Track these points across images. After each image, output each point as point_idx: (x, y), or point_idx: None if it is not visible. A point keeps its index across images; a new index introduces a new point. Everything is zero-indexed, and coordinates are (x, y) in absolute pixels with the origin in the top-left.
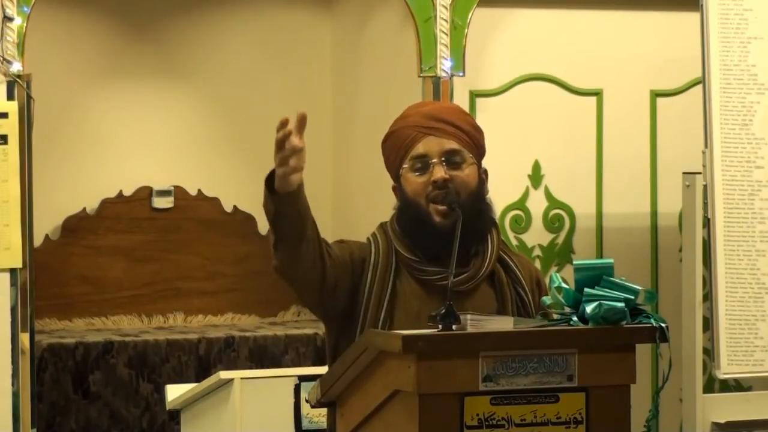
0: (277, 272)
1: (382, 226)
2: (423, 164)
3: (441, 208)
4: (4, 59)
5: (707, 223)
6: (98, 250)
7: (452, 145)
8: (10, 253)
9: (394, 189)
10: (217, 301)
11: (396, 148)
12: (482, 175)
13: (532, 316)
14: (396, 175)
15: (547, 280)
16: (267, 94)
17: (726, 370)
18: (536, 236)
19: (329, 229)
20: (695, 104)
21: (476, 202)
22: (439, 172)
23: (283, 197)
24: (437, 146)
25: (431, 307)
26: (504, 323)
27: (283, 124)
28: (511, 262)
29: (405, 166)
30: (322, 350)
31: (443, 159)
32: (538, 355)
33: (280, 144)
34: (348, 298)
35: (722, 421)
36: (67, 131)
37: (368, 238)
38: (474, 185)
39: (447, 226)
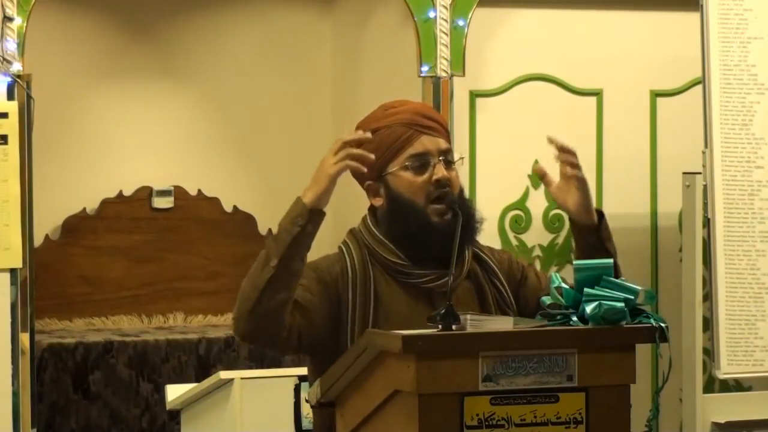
0: (244, 339)
1: (353, 232)
2: (422, 163)
3: (440, 207)
4: (4, 59)
5: (707, 223)
6: (98, 250)
7: (446, 144)
8: (10, 253)
9: (369, 187)
10: (217, 301)
11: (386, 145)
12: None
13: (511, 306)
14: (379, 174)
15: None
16: (267, 94)
17: (726, 370)
18: (536, 236)
19: (329, 230)
20: (695, 104)
21: (466, 203)
22: (442, 172)
23: (317, 215)
24: (435, 145)
25: (417, 310)
26: (504, 323)
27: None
28: (483, 255)
29: (406, 164)
30: None
31: (441, 158)
32: (538, 355)
33: (350, 143)
34: (329, 329)
35: (722, 421)
36: (67, 131)
37: (340, 247)
38: (460, 186)
39: (445, 227)
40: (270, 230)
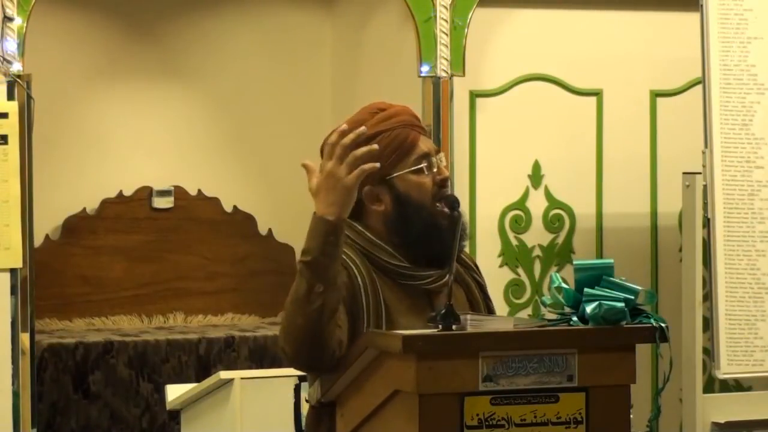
0: (308, 371)
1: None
2: (429, 164)
3: (444, 207)
4: (4, 59)
5: (707, 223)
6: (98, 250)
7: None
8: (10, 253)
9: (368, 193)
10: (217, 301)
11: (392, 149)
12: None
13: (489, 298)
14: (381, 177)
15: (547, 281)
16: (267, 94)
17: (726, 370)
18: (536, 236)
19: None
20: (695, 104)
21: None
22: (444, 171)
23: (342, 226)
24: (432, 145)
25: (420, 311)
26: (504, 323)
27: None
28: (459, 254)
29: (415, 166)
30: None
31: (439, 158)
32: (538, 355)
33: (351, 146)
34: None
35: (722, 421)
36: (67, 131)
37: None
38: None
39: (449, 226)
40: (273, 235)
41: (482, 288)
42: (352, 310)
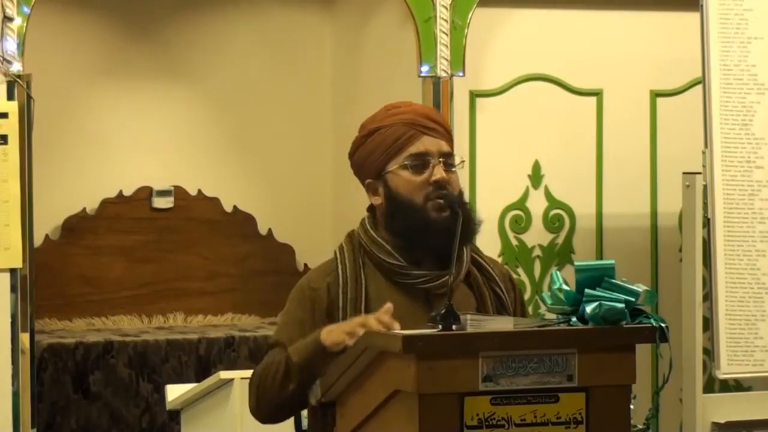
0: (254, 415)
1: (350, 235)
2: (422, 163)
3: (439, 203)
4: (4, 59)
5: (707, 223)
6: (98, 250)
7: (448, 147)
8: (10, 253)
9: (368, 186)
10: (217, 301)
11: (387, 144)
12: None
13: (510, 312)
14: (378, 172)
15: (547, 280)
16: (267, 94)
17: (726, 370)
18: (536, 236)
19: (329, 232)
20: (695, 104)
21: (465, 204)
22: (441, 173)
23: (333, 354)
24: (436, 146)
25: (415, 311)
26: (504, 323)
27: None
28: (483, 262)
29: (405, 163)
30: None
31: (441, 160)
32: (538, 355)
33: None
34: None
35: (722, 421)
36: (67, 131)
37: (335, 252)
38: (459, 189)
39: (444, 225)
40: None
41: (501, 302)
42: (330, 315)
